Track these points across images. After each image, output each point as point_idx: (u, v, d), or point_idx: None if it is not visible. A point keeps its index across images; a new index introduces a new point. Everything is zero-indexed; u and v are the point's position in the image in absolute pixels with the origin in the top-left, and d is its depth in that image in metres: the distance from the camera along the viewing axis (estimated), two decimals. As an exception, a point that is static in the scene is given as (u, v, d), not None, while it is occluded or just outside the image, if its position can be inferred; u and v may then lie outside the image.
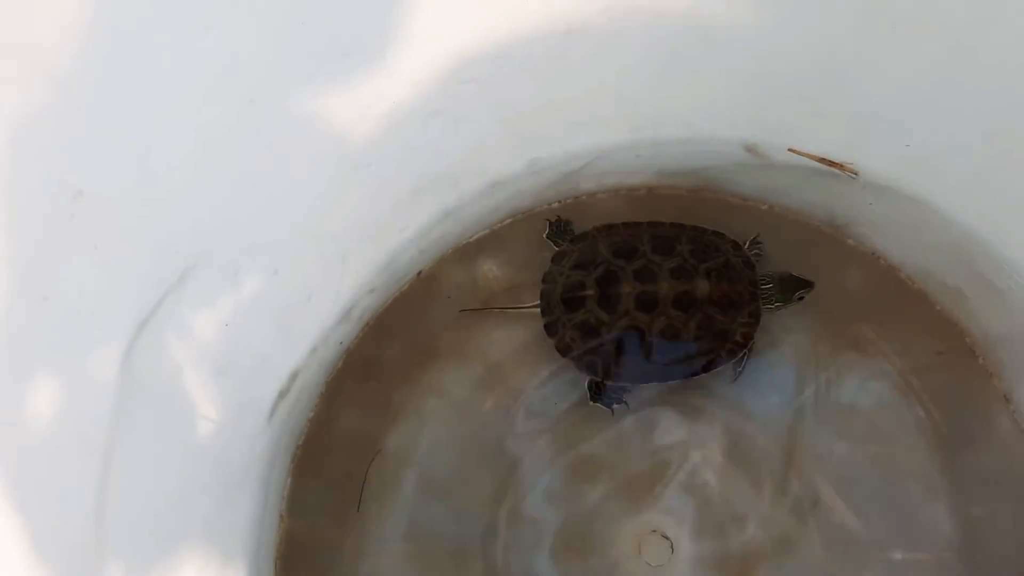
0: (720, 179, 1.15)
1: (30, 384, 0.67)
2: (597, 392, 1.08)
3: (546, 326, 1.07)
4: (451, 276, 1.16)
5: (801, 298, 1.06)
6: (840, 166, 0.99)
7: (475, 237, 1.17)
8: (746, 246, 1.10)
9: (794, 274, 1.07)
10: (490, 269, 1.16)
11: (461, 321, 1.14)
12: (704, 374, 1.05)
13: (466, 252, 1.16)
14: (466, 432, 1.11)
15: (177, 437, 0.88)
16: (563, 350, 1.06)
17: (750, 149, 1.06)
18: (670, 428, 1.09)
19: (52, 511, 0.69)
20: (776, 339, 1.11)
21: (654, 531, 1.06)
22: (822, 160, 0.99)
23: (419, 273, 1.16)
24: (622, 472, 1.08)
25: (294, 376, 1.06)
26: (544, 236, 1.13)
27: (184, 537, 0.89)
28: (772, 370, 1.09)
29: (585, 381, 1.08)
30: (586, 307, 1.04)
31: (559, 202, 1.17)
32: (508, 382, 1.12)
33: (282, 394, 1.05)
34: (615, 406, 1.08)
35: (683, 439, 1.09)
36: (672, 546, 1.06)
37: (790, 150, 0.99)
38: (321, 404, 1.12)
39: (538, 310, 1.08)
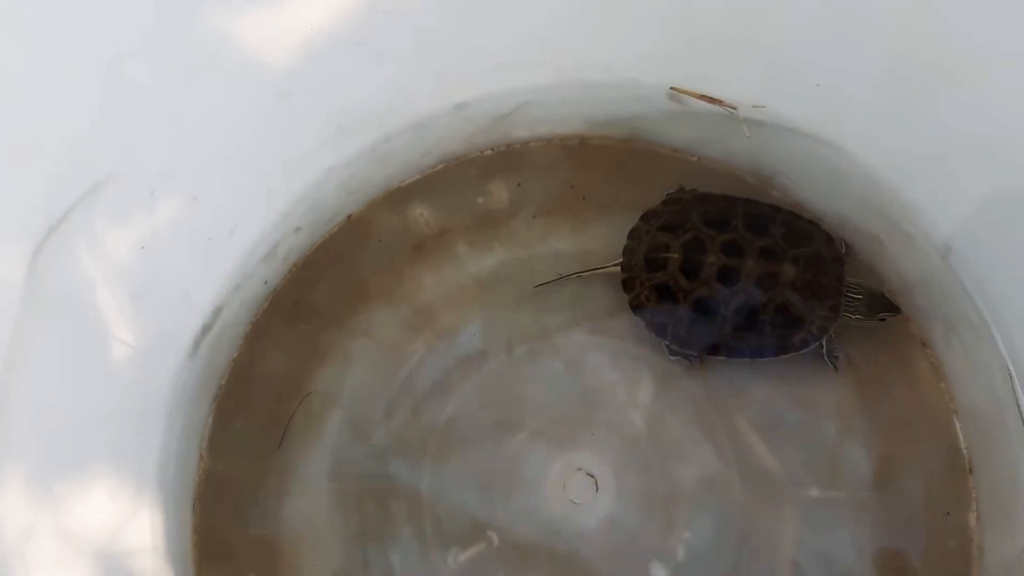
0: (649, 129, 1.16)
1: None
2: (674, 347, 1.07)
3: (624, 282, 1.07)
4: (381, 220, 1.16)
5: (883, 319, 1.05)
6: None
7: (406, 182, 1.17)
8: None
9: (886, 295, 1.07)
10: (421, 214, 1.16)
11: (391, 264, 1.15)
12: (772, 358, 1.04)
13: (397, 196, 1.17)
14: (393, 373, 1.11)
15: (90, 354, 0.87)
16: (636, 307, 1.06)
17: (672, 96, 1.08)
18: (598, 370, 1.10)
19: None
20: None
21: (579, 469, 1.07)
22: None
23: (349, 216, 1.16)
24: (549, 412, 1.09)
25: (218, 312, 1.06)
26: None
27: (95, 456, 0.89)
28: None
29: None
30: (667, 269, 1.04)
31: (492, 149, 1.18)
32: (437, 324, 1.12)
33: (205, 329, 1.05)
34: (692, 358, 1.08)
35: (610, 381, 1.10)
36: (596, 484, 1.06)
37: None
38: (246, 344, 1.12)
39: (616, 269, 1.08)
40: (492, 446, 1.08)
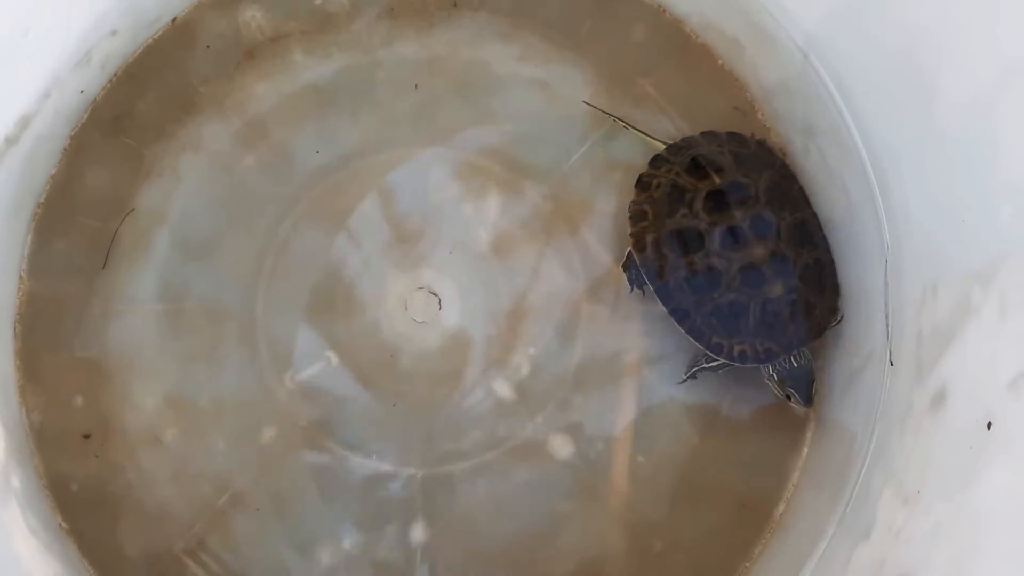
0: (503, -77, 1.07)
1: None
2: (630, 264, 1.00)
3: (656, 156, 1.00)
4: (209, 24, 1.06)
5: (788, 397, 0.95)
6: None
7: (235, -19, 1.07)
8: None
9: (815, 387, 0.96)
10: (253, 17, 1.07)
11: (221, 73, 1.06)
12: (683, 331, 0.96)
13: (226, -3, 1.07)
14: (225, 189, 1.04)
15: None
16: (642, 186, 0.99)
17: None
18: (442, 185, 1.05)
19: None
20: (554, 95, 1.06)
21: (421, 288, 1.03)
22: None
23: (173, 20, 1.06)
24: (391, 230, 1.04)
25: (24, 122, 0.97)
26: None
27: None
28: (548, 124, 1.05)
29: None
30: (700, 182, 0.96)
31: (328, -55, 1.08)
32: (271, 137, 1.05)
33: (9, 141, 0.96)
34: (636, 288, 1.01)
35: (456, 195, 1.04)
36: (440, 302, 1.02)
37: None
38: (64, 159, 1.04)
39: (660, 145, 1.01)
40: (330, 266, 1.03)
